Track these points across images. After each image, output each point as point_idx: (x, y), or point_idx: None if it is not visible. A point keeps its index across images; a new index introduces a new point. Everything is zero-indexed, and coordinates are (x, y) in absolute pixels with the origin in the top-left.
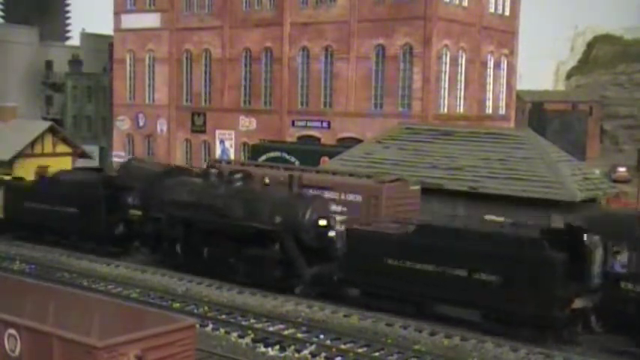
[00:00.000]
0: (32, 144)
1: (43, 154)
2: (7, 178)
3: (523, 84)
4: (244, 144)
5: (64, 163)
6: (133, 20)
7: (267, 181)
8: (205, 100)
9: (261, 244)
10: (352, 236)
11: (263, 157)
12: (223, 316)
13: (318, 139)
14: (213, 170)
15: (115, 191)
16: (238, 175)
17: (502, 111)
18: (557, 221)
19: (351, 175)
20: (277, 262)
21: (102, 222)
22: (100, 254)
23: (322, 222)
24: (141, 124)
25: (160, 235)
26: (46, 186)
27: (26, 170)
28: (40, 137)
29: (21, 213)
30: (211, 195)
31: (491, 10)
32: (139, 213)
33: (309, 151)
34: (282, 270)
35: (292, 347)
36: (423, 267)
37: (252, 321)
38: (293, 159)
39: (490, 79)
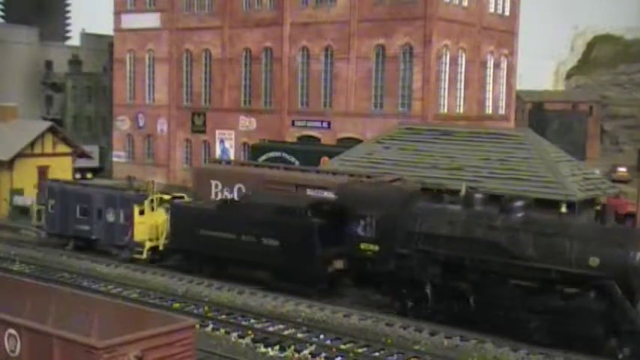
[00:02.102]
0: (32, 144)
1: (43, 154)
2: (167, 197)
3: (523, 84)
4: (244, 144)
5: (64, 163)
6: (133, 20)
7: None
8: (205, 100)
9: (565, 292)
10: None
11: (263, 157)
12: (223, 316)
13: (318, 139)
14: (477, 195)
15: (332, 219)
16: (519, 203)
17: (502, 111)
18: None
19: (351, 175)
20: (597, 317)
21: (314, 258)
22: (304, 295)
23: None
24: (141, 124)
25: (404, 275)
26: (232, 210)
27: (26, 170)
28: (40, 137)
29: (194, 241)
30: (484, 227)
31: (491, 10)
32: (375, 248)
33: (309, 151)
34: (604, 326)
35: (292, 347)
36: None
37: (252, 321)
38: (293, 159)
39: (490, 79)
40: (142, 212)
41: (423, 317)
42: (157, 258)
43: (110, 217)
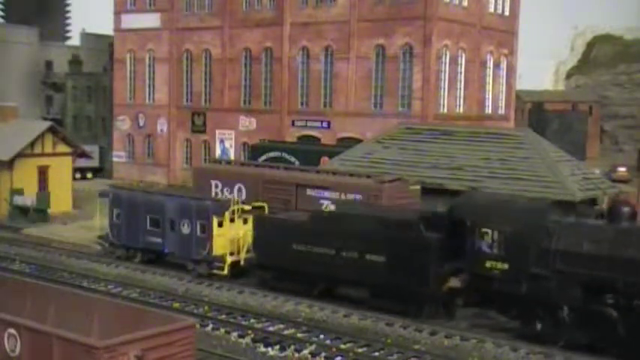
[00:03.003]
0: (32, 144)
1: (43, 154)
2: (247, 208)
3: (523, 84)
4: (244, 144)
5: (64, 163)
6: (133, 20)
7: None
8: (205, 100)
9: None
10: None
11: (263, 157)
12: (223, 316)
13: (318, 139)
14: (625, 209)
15: (448, 233)
16: None
17: (502, 111)
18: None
19: (351, 175)
20: None
21: (427, 276)
22: (415, 317)
23: None
24: (141, 124)
25: (538, 297)
26: (329, 223)
27: (26, 170)
28: (40, 137)
29: (285, 257)
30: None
31: (491, 10)
32: (504, 266)
33: (309, 151)
34: None
35: (292, 347)
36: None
37: (252, 321)
38: (293, 159)
39: (490, 79)
40: (220, 224)
41: (555, 342)
42: (237, 274)
43: (185, 229)
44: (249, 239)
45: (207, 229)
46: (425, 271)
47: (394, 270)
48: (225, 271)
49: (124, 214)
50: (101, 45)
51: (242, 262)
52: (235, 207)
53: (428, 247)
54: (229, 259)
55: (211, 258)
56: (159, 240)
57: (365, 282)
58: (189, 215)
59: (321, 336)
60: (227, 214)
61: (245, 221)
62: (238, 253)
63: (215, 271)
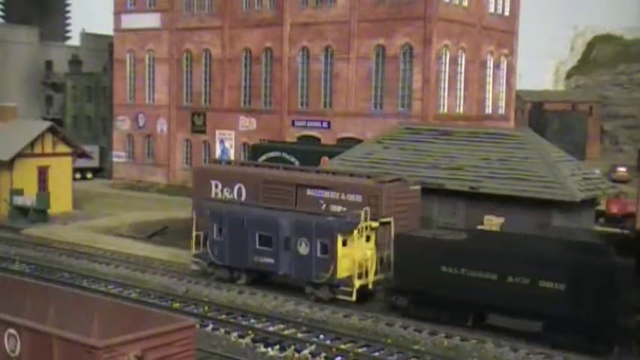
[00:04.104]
0: (32, 144)
1: (43, 154)
2: (375, 224)
3: (523, 84)
4: (244, 144)
5: (64, 163)
6: (133, 20)
7: None
8: (205, 100)
9: None
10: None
11: (263, 157)
12: (223, 316)
13: (318, 139)
14: None
15: None
16: None
17: (502, 111)
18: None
19: (351, 175)
20: None
21: (618, 308)
22: (603, 357)
23: None
24: (141, 124)
25: None
26: (490, 243)
27: (26, 170)
28: (40, 137)
29: (431, 281)
30: None
31: (491, 10)
32: None
33: (309, 151)
34: None
35: (292, 347)
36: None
37: (252, 321)
38: (293, 159)
39: (490, 79)
40: (344, 242)
41: None
42: (361, 298)
43: (302, 249)
44: (376, 259)
45: (330, 249)
46: (615, 302)
47: (577, 300)
48: (354, 297)
49: (228, 231)
50: (101, 45)
51: (370, 286)
52: (367, 224)
53: (620, 274)
54: (357, 283)
55: (335, 281)
56: (270, 260)
57: (537, 313)
58: (308, 233)
59: (321, 336)
60: (356, 232)
61: (368, 239)
62: (366, 275)
63: (340, 297)
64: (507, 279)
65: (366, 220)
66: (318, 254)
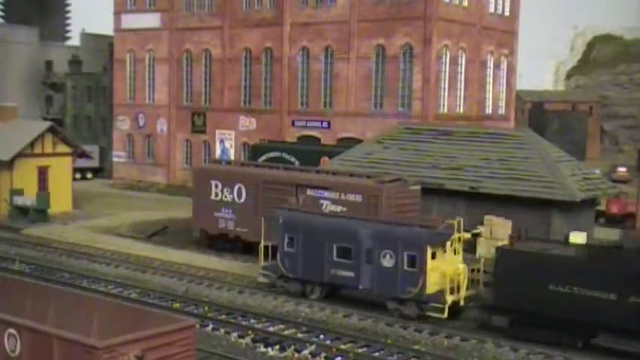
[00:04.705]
0: (32, 144)
1: (43, 154)
2: (467, 235)
3: (523, 84)
4: (244, 144)
5: (64, 163)
6: (133, 20)
7: None
8: (205, 100)
9: None
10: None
11: (263, 157)
12: (223, 316)
13: (318, 139)
14: None
15: None
16: None
17: (502, 111)
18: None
19: (351, 175)
20: None
21: None
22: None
23: None
24: (141, 124)
25: None
26: (611, 260)
27: (26, 170)
28: (40, 137)
29: (537, 300)
30: None
31: (491, 10)
32: None
33: (309, 151)
34: None
35: (292, 347)
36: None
37: (252, 321)
38: (293, 159)
39: (490, 79)
40: (433, 255)
41: None
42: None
43: (386, 261)
44: (467, 273)
45: (418, 262)
46: None
47: None
48: (445, 314)
49: (301, 242)
50: (101, 45)
51: (462, 303)
52: (460, 235)
53: None
54: (450, 299)
55: (424, 297)
56: (350, 274)
57: None
58: (393, 244)
59: (321, 336)
60: (448, 245)
61: (456, 251)
62: (457, 291)
63: (430, 313)
64: (629, 299)
65: (459, 230)
66: (405, 267)
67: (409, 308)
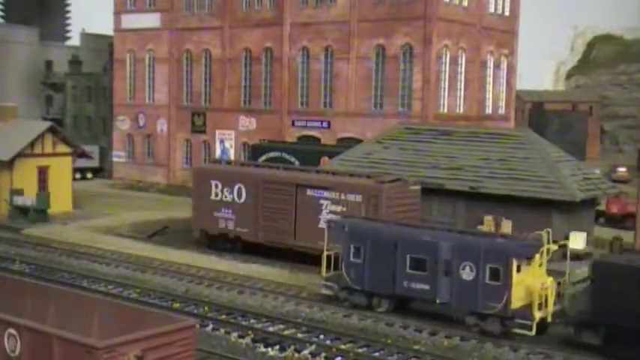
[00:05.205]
0: (32, 144)
1: (43, 154)
2: (555, 247)
3: (523, 84)
4: (244, 144)
5: (64, 164)
6: (133, 20)
7: None
8: (205, 100)
9: None
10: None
11: (263, 157)
12: (223, 316)
13: (318, 139)
14: None
15: None
16: None
17: (502, 111)
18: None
19: (351, 175)
20: None
21: None
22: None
23: None
24: (141, 124)
25: None
26: None
27: (26, 170)
28: (40, 137)
29: (634, 315)
30: None
31: (491, 10)
32: None
33: (309, 151)
34: None
35: (292, 347)
36: None
37: (252, 321)
38: (293, 159)
39: (490, 79)
40: (518, 268)
41: None
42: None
43: (467, 274)
44: (554, 288)
45: (502, 275)
46: None
47: None
48: (534, 331)
49: (369, 252)
50: (101, 45)
51: (549, 319)
52: (549, 247)
53: None
54: (537, 315)
55: (509, 313)
56: (425, 287)
57: None
58: (474, 256)
59: (321, 336)
60: (537, 258)
61: (540, 264)
62: (545, 306)
63: (517, 330)
64: None
65: (548, 242)
66: (487, 281)
67: (491, 324)
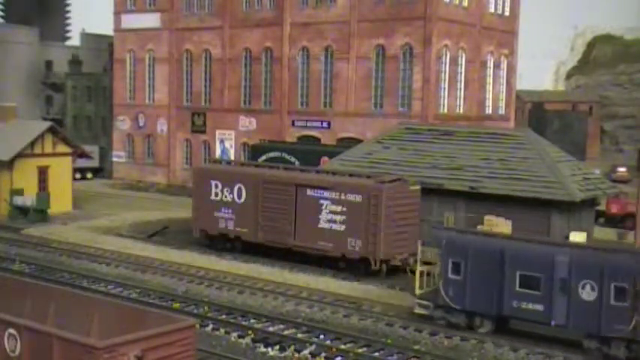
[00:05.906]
0: (32, 144)
1: (43, 154)
2: None
3: (523, 84)
4: (244, 144)
5: (64, 164)
6: (133, 20)
7: None
8: (205, 100)
9: None
10: None
11: (263, 157)
12: (223, 316)
13: (318, 139)
14: None
15: None
16: None
17: (502, 111)
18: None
19: (351, 175)
20: None
21: None
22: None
23: None
24: (141, 124)
25: None
26: None
27: (26, 170)
28: (40, 137)
29: None
30: None
31: (492, 10)
32: None
33: (309, 151)
34: None
35: (292, 347)
36: None
37: (252, 321)
38: (293, 159)
39: (490, 79)
40: None
41: None
42: None
43: (587, 294)
44: None
45: (629, 295)
46: None
47: None
48: None
49: (470, 268)
50: (101, 45)
51: None
52: None
53: None
54: None
55: (638, 336)
56: (538, 307)
57: None
58: (595, 274)
59: (321, 336)
60: None
61: None
62: None
63: None
64: None
65: None
66: (611, 301)
67: (616, 349)
